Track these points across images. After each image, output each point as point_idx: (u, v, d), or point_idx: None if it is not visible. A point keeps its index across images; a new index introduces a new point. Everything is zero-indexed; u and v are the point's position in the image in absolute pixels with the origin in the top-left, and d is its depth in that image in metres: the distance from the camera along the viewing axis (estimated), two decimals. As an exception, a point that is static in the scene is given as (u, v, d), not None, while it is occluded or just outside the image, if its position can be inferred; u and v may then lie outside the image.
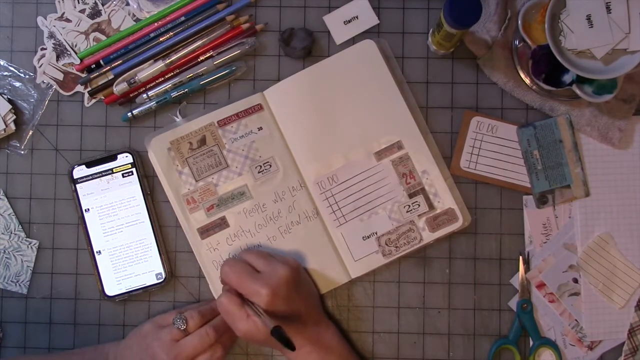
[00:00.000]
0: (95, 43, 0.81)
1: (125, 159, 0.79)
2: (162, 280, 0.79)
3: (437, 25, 0.74)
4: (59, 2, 0.81)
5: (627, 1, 0.72)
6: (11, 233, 0.80)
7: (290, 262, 0.73)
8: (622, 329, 0.78)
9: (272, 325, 0.66)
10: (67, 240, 0.80)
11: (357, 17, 0.81)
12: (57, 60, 0.81)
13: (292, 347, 0.66)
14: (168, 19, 0.80)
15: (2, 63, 0.81)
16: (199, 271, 0.79)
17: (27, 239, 0.80)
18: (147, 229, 0.79)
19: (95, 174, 0.79)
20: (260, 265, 0.72)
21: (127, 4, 0.81)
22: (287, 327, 0.67)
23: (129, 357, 0.73)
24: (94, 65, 0.80)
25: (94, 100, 0.81)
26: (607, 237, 0.78)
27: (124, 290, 0.78)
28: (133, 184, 0.79)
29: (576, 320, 0.78)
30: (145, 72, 0.80)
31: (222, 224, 0.79)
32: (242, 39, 0.80)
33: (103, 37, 0.81)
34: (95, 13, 0.81)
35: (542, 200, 0.79)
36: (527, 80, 0.78)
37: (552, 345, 0.78)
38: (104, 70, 0.80)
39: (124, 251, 0.78)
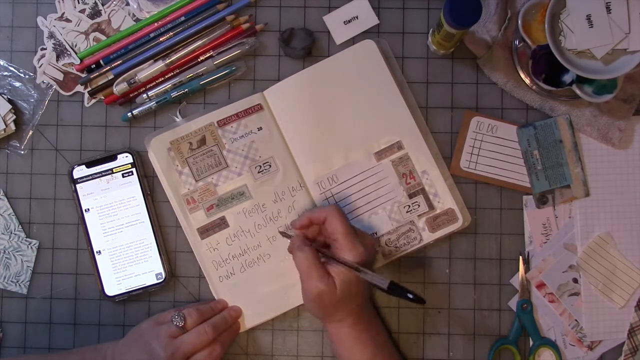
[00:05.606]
0: (95, 43, 0.81)
1: (125, 159, 0.79)
2: (162, 280, 0.79)
3: (437, 25, 0.74)
4: (59, 2, 0.81)
5: (627, 1, 0.72)
6: (11, 233, 0.80)
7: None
8: (622, 329, 0.78)
9: (388, 282, 0.65)
10: (67, 240, 0.80)
11: (357, 17, 0.81)
12: (57, 60, 0.81)
13: (422, 301, 0.66)
14: (168, 19, 0.80)
15: (2, 63, 0.81)
16: (199, 271, 0.79)
17: (27, 239, 0.80)
18: (147, 229, 0.79)
19: (95, 174, 0.79)
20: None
21: (127, 4, 0.81)
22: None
23: (127, 355, 0.72)
24: (94, 65, 0.81)
25: (94, 100, 0.81)
26: (607, 237, 0.78)
27: (124, 290, 0.78)
28: (133, 184, 0.79)
29: (576, 320, 0.78)
30: (145, 72, 0.80)
31: (222, 224, 0.79)
32: (242, 39, 0.80)
33: (103, 37, 0.81)
34: (95, 13, 0.81)
35: (542, 200, 0.79)
36: (527, 80, 0.78)
37: (552, 345, 0.78)
38: (104, 70, 0.80)
39: (124, 251, 0.79)
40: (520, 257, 0.79)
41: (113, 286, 0.78)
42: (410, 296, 0.67)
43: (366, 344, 0.72)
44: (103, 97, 0.81)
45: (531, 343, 0.78)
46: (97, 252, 0.79)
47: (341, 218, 0.71)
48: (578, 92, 0.75)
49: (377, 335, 0.73)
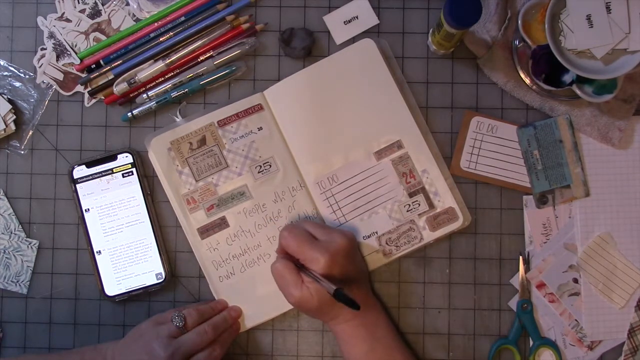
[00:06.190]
0: (95, 43, 0.81)
1: (125, 159, 0.79)
2: (162, 280, 0.79)
3: (437, 25, 0.75)
4: (59, 2, 0.81)
5: (627, 1, 0.72)
6: (11, 233, 0.80)
7: (346, 233, 0.74)
8: (622, 329, 0.78)
9: (334, 288, 0.66)
10: (67, 240, 0.80)
11: (357, 17, 0.81)
12: (57, 60, 0.81)
13: (356, 307, 0.66)
14: (168, 19, 0.80)
15: (2, 63, 0.81)
16: (199, 271, 0.79)
17: (27, 239, 0.80)
18: (147, 229, 0.79)
19: (95, 174, 0.79)
20: (318, 234, 0.73)
21: (127, 4, 0.81)
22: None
23: (127, 355, 0.72)
24: (94, 65, 0.81)
25: (94, 100, 0.81)
26: (607, 237, 0.78)
27: (124, 290, 0.78)
28: (133, 184, 0.79)
29: (576, 320, 0.78)
30: (145, 72, 0.80)
31: (222, 224, 0.79)
32: (242, 39, 0.80)
33: (103, 37, 0.81)
34: (95, 13, 0.81)
35: (542, 200, 0.79)
36: (527, 80, 0.78)
37: (552, 345, 0.78)
38: (104, 70, 0.80)
39: (124, 251, 0.78)
40: (520, 257, 0.79)
41: (113, 286, 0.78)
42: (349, 302, 0.67)
43: (363, 338, 0.73)
44: (103, 97, 0.81)
45: (531, 343, 0.78)
46: (97, 252, 0.79)
47: (291, 239, 0.72)
48: (578, 92, 0.75)
49: (376, 329, 0.73)
